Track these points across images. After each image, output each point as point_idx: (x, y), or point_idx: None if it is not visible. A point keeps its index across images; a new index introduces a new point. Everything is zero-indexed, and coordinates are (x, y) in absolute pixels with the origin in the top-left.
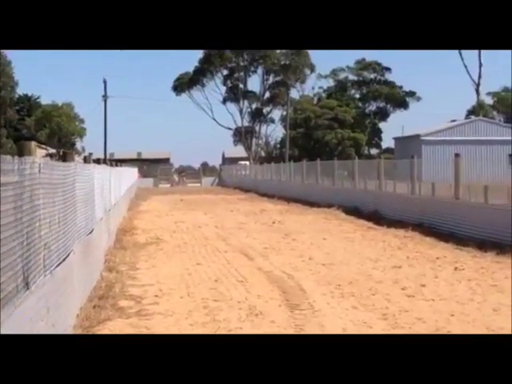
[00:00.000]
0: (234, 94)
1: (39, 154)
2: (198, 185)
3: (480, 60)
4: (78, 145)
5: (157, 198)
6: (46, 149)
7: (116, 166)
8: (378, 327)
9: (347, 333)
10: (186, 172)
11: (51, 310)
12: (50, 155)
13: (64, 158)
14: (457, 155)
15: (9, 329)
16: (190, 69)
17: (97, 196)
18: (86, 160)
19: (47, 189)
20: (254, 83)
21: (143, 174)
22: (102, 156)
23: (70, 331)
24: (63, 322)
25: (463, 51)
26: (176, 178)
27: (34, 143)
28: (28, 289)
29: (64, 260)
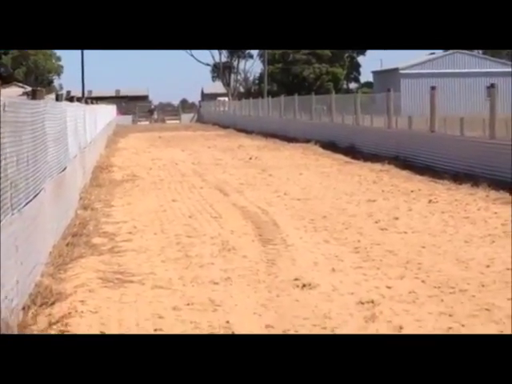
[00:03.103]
0: None
1: (16, 92)
2: (177, 121)
3: None
4: (56, 82)
5: (135, 135)
6: (22, 87)
7: (92, 103)
8: (350, 260)
9: (347, 333)
10: (156, 109)
11: (20, 248)
12: (27, 93)
13: (34, 95)
14: (432, 88)
15: None
16: None
17: (70, 134)
18: (57, 98)
19: (13, 127)
20: None
21: (122, 112)
22: (80, 94)
23: (41, 269)
24: (34, 259)
25: None
26: (155, 115)
27: None
28: None
29: (34, 198)
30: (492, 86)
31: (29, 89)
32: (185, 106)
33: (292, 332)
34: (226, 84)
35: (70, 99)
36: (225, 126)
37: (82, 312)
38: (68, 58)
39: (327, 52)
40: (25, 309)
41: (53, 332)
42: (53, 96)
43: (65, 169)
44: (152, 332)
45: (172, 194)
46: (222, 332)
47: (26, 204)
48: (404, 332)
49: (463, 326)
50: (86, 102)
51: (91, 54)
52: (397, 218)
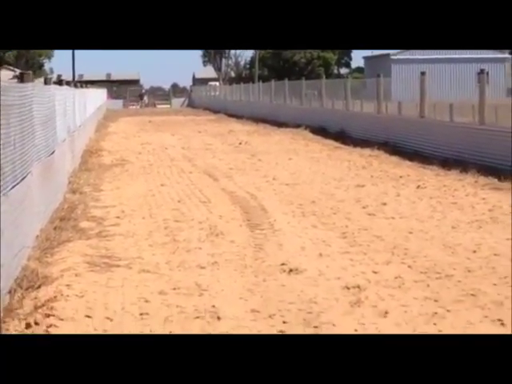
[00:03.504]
0: None
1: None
2: (168, 106)
3: None
4: (47, 66)
5: (125, 119)
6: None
7: (82, 87)
8: (337, 245)
9: (347, 333)
10: (147, 94)
11: (6, 231)
12: (17, 77)
13: (21, 79)
14: (422, 73)
15: None
16: None
17: (58, 117)
18: (46, 81)
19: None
20: None
21: (113, 96)
22: (70, 77)
23: (27, 252)
24: (20, 243)
25: None
26: (146, 99)
27: None
28: None
29: (21, 181)
30: (481, 71)
31: (19, 72)
32: (176, 90)
33: (278, 317)
34: (217, 69)
35: (59, 83)
36: (215, 111)
37: (68, 296)
38: None
39: None
40: (11, 292)
41: (38, 316)
42: (42, 80)
43: (53, 152)
44: (138, 316)
45: (161, 179)
46: (207, 317)
47: (13, 187)
48: (389, 317)
49: (448, 311)
50: (76, 86)
51: None
52: (385, 204)
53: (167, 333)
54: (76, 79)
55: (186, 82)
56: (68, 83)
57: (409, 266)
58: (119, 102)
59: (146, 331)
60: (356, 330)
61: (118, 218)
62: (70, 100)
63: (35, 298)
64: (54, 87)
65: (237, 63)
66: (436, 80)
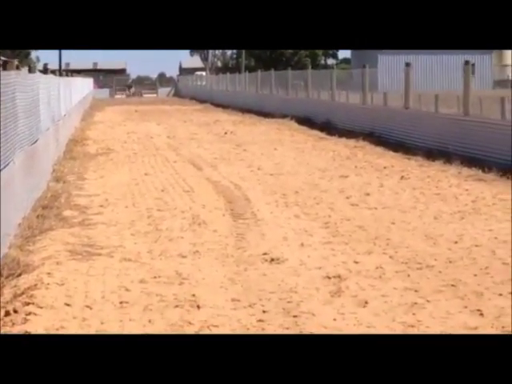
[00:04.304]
0: None
1: None
2: (154, 95)
3: None
4: (33, 55)
5: (112, 108)
6: None
7: (67, 76)
8: (319, 235)
9: (346, 333)
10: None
11: None
12: (0, 65)
13: (4, 67)
14: (407, 64)
15: None
16: None
17: (42, 106)
18: (30, 70)
19: None
20: None
21: (99, 85)
22: (57, 66)
23: (8, 240)
24: (1, 231)
25: None
26: (132, 88)
27: None
28: None
29: (2, 170)
30: (466, 62)
31: (2, 60)
32: (162, 80)
33: (258, 306)
34: (204, 59)
35: (44, 71)
36: (202, 101)
37: (48, 284)
38: None
39: None
40: None
41: (17, 304)
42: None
43: (36, 141)
44: (117, 305)
45: (145, 168)
46: (187, 305)
47: None
48: (368, 307)
49: (428, 301)
50: (61, 75)
51: None
52: (368, 194)
53: (165, 333)
54: (62, 68)
55: (172, 72)
56: (54, 72)
57: (390, 257)
58: (106, 91)
59: (126, 320)
60: (335, 320)
61: (101, 206)
62: (55, 89)
63: (15, 286)
64: (38, 75)
65: (223, 53)
66: (422, 71)
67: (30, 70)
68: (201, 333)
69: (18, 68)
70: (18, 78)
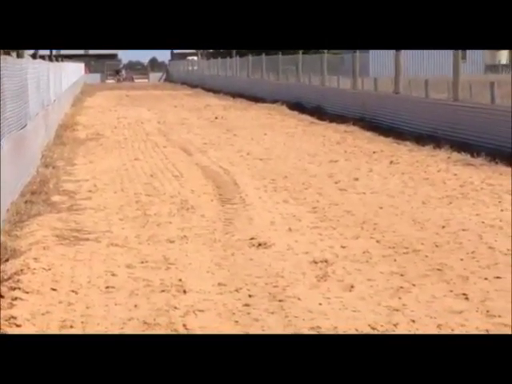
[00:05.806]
0: None
1: None
2: (146, 81)
3: None
4: None
5: (102, 93)
6: None
7: (58, 61)
8: (307, 220)
9: (346, 333)
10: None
11: None
12: None
13: None
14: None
15: None
16: None
17: (31, 91)
18: (19, 55)
19: None
20: None
21: (90, 70)
22: (48, 52)
23: None
24: None
25: None
26: (124, 73)
27: None
28: None
29: None
30: None
31: None
32: (154, 65)
33: (244, 290)
34: None
35: (34, 56)
36: (193, 86)
37: (35, 269)
38: None
39: None
40: None
41: (3, 289)
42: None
43: (25, 126)
44: (103, 289)
45: (135, 153)
46: (173, 290)
47: None
48: (354, 291)
49: (414, 285)
50: (51, 60)
51: None
52: (357, 179)
53: (165, 333)
54: (54, 54)
55: (164, 57)
56: (44, 57)
57: (377, 241)
58: (97, 77)
59: (111, 304)
60: (320, 304)
61: (89, 191)
62: (44, 74)
63: (2, 271)
64: (26, 61)
65: None
66: (413, 56)
67: (19, 56)
68: (186, 317)
69: (7, 54)
70: (5, 63)
